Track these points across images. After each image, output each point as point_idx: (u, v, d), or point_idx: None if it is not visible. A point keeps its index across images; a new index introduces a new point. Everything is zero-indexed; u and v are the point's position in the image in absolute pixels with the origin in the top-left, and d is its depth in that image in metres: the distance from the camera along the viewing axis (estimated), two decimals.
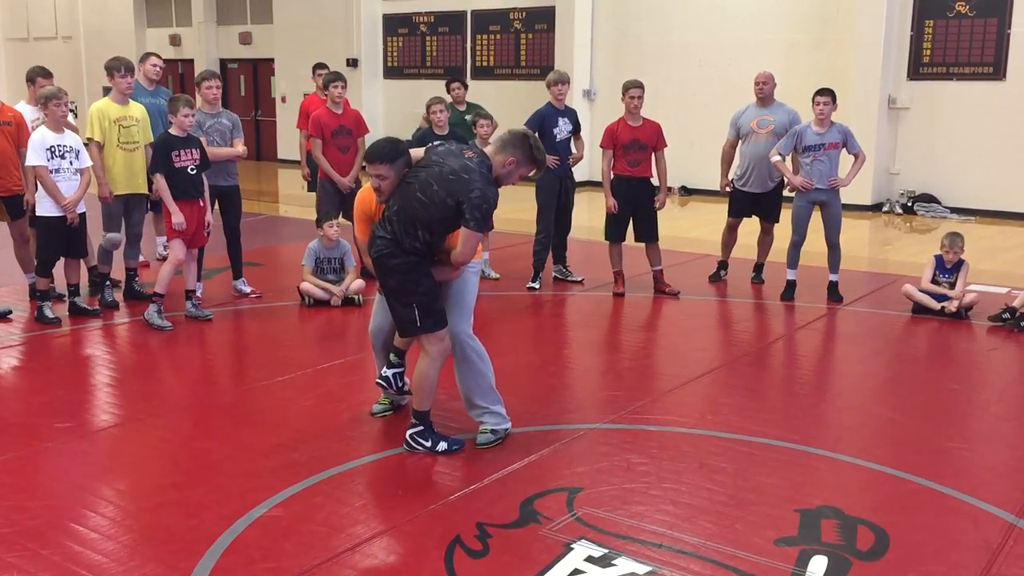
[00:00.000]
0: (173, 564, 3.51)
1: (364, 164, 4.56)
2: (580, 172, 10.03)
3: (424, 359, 4.49)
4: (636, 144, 7.86)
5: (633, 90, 7.88)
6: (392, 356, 4.76)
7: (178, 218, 6.70)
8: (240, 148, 7.61)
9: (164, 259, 7.82)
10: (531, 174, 4.61)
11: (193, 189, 6.84)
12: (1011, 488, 4.29)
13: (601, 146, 8.04)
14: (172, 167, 6.73)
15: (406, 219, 4.32)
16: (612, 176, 7.96)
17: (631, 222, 8.03)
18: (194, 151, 6.86)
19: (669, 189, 8.95)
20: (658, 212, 8.05)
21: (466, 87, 9.60)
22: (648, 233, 8.04)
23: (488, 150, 4.48)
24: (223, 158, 7.48)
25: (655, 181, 8.05)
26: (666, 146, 8.07)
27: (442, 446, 4.55)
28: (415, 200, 4.30)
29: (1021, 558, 3.65)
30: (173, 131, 6.84)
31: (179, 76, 21.39)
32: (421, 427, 4.57)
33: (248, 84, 20.86)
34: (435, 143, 4.69)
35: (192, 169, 6.82)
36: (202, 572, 3.45)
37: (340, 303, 7.49)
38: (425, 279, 4.40)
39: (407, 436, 4.59)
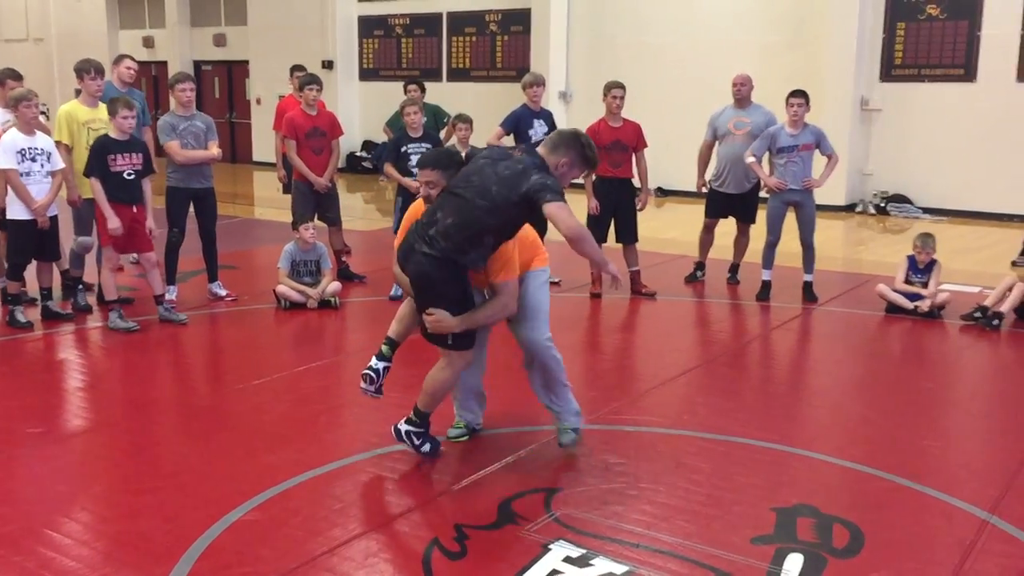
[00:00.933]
0: (148, 570, 3.48)
1: (416, 169, 4.47)
2: None
3: (446, 368, 4.42)
4: (618, 145, 7.89)
5: (615, 90, 7.91)
6: (384, 347, 4.63)
7: (114, 223, 6.60)
8: (215, 151, 7.55)
9: (136, 263, 7.76)
10: (584, 176, 4.52)
11: (126, 194, 6.70)
12: (984, 485, 4.34)
13: None
14: (107, 171, 6.61)
15: (470, 231, 4.15)
16: (594, 177, 7.97)
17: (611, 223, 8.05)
18: (135, 156, 6.72)
19: None
20: (639, 213, 8.08)
21: (423, 90, 9.60)
22: (627, 234, 8.06)
23: (540, 151, 4.33)
24: (198, 161, 7.43)
25: (637, 182, 8.08)
26: (647, 146, 8.10)
27: (426, 448, 4.53)
28: (476, 209, 4.14)
29: (994, 554, 3.69)
30: (112, 134, 6.71)
31: (152, 78, 21.22)
32: (418, 424, 4.52)
33: (223, 86, 20.72)
34: (481, 152, 4.57)
35: (129, 174, 6.69)
36: None
37: (316, 306, 7.46)
38: (468, 303, 4.34)
39: (399, 425, 4.53)
